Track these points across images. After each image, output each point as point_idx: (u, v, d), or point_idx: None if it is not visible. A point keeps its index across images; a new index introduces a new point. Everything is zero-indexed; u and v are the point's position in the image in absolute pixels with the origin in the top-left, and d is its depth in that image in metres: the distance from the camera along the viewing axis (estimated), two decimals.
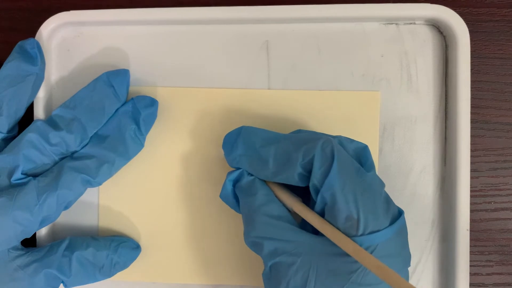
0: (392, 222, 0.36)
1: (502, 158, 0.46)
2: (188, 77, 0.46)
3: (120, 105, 0.44)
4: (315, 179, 0.36)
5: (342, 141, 0.38)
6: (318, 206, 0.37)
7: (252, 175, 0.40)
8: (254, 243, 0.38)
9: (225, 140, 0.42)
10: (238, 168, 0.41)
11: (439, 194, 0.45)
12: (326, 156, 0.36)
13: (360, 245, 0.34)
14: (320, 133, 0.40)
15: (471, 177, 0.43)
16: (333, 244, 0.36)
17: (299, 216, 0.39)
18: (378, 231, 0.35)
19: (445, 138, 0.45)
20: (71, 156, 0.43)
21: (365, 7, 0.43)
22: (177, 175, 0.46)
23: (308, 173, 0.37)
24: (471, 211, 0.44)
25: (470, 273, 0.43)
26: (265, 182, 0.40)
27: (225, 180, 0.41)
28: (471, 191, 0.43)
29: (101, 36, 0.47)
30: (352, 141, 0.39)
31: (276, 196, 0.40)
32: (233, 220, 0.45)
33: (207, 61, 0.46)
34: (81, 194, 0.43)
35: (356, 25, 0.45)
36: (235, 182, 0.41)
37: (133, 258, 0.45)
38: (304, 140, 0.38)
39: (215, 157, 0.46)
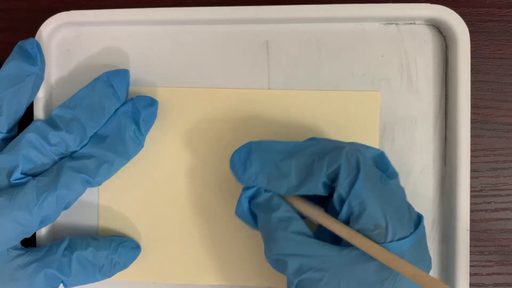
0: (415, 228, 0.36)
1: (502, 158, 0.46)
2: (188, 77, 0.46)
3: (120, 105, 0.44)
4: (341, 189, 0.36)
5: (359, 148, 0.38)
6: (343, 215, 0.37)
7: (268, 191, 0.40)
8: (277, 261, 0.38)
9: (234, 159, 0.40)
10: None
11: (439, 194, 0.45)
12: (351, 166, 0.36)
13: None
14: (337, 141, 0.40)
15: (471, 177, 0.43)
16: (359, 254, 0.35)
17: (312, 229, 0.38)
18: (405, 237, 0.35)
19: (445, 138, 0.45)
20: (71, 156, 0.43)
21: (365, 7, 0.43)
22: (176, 175, 0.46)
23: (331, 182, 0.37)
24: (471, 211, 0.44)
25: (470, 273, 0.43)
26: (283, 197, 0.40)
27: (241, 197, 0.40)
28: (471, 191, 0.43)
29: (101, 36, 0.47)
30: (368, 147, 0.39)
31: (298, 210, 0.39)
32: (234, 220, 0.45)
33: (207, 61, 0.46)
34: (80, 194, 0.43)
35: (356, 25, 0.45)
36: (251, 199, 0.40)
37: (133, 258, 0.45)
38: (326, 149, 0.38)
39: (215, 156, 0.46)
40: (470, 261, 0.43)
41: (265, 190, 0.40)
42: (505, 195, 0.46)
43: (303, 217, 0.40)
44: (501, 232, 0.46)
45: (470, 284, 0.44)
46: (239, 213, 0.41)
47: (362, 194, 0.35)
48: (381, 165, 0.39)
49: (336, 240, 0.38)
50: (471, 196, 0.44)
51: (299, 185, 0.38)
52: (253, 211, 0.40)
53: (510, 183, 0.46)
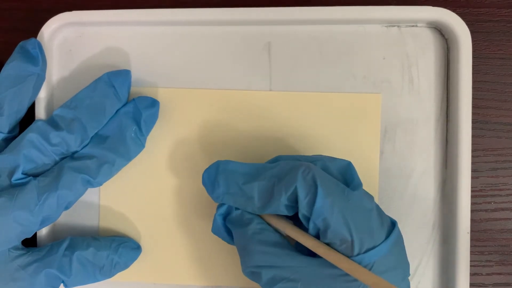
0: (387, 235, 0.36)
1: (502, 158, 0.46)
2: (189, 78, 0.46)
3: (121, 106, 0.44)
4: (303, 209, 0.36)
5: (325, 162, 0.38)
6: (311, 232, 0.37)
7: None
8: (252, 273, 0.38)
9: (204, 177, 0.41)
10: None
11: (440, 196, 0.45)
12: (308, 184, 0.36)
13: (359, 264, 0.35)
14: (301, 157, 0.40)
15: (471, 177, 0.43)
16: (331, 265, 0.36)
17: (294, 240, 0.39)
18: (374, 247, 0.35)
19: (446, 140, 0.45)
20: (72, 156, 0.43)
21: (367, 9, 0.43)
22: (178, 176, 0.46)
23: (294, 203, 0.37)
24: (471, 211, 0.44)
25: (470, 273, 0.43)
26: None
27: (215, 215, 0.41)
28: (471, 191, 0.43)
29: (103, 36, 0.47)
30: (334, 159, 0.39)
31: (267, 222, 0.40)
32: None
33: (208, 62, 0.46)
34: (81, 194, 0.43)
35: (358, 27, 0.45)
36: (225, 216, 0.41)
37: (134, 259, 0.45)
38: (284, 170, 0.38)
39: (215, 157, 0.46)
40: (470, 261, 0.43)
41: (236, 208, 0.40)
42: (505, 195, 0.46)
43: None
44: (501, 232, 0.46)
45: (470, 284, 0.44)
46: (215, 231, 0.42)
47: (323, 212, 0.35)
48: (347, 176, 0.39)
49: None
50: (471, 196, 0.44)
51: (263, 207, 0.38)
52: (228, 228, 0.41)
53: (510, 183, 0.46)
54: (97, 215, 0.47)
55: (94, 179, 0.42)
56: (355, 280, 0.35)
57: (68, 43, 0.47)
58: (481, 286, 0.46)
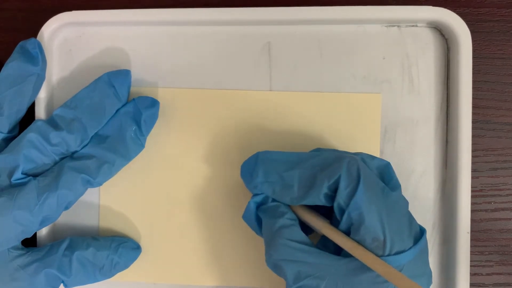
0: (415, 242, 0.36)
1: (502, 158, 0.46)
2: (189, 78, 0.46)
3: (121, 106, 0.44)
4: (341, 199, 0.36)
5: (364, 159, 0.38)
6: (343, 225, 0.37)
7: (276, 200, 0.40)
8: (276, 266, 0.38)
9: (243, 169, 0.41)
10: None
11: (440, 197, 0.45)
12: (352, 176, 0.36)
13: None
14: (342, 151, 0.40)
15: (471, 177, 0.44)
16: (357, 265, 0.36)
17: (316, 239, 0.39)
18: (403, 251, 0.35)
19: (446, 141, 0.45)
20: (72, 156, 0.43)
21: (367, 9, 0.43)
22: (177, 176, 0.46)
23: (334, 192, 0.37)
24: (471, 211, 0.44)
25: (470, 273, 0.43)
26: (289, 206, 0.40)
27: (250, 202, 0.40)
28: (471, 191, 0.43)
29: (103, 36, 0.47)
30: (373, 158, 0.39)
31: (303, 220, 0.39)
32: (235, 221, 0.46)
33: (208, 62, 0.46)
34: (81, 194, 0.43)
35: (358, 27, 0.45)
36: (259, 205, 0.41)
37: (134, 259, 0.45)
38: (328, 159, 0.38)
39: (216, 157, 0.46)
40: (470, 261, 0.43)
41: (273, 200, 0.40)
42: (505, 195, 0.46)
43: (309, 227, 0.40)
44: (501, 232, 0.46)
45: (470, 284, 0.44)
46: (246, 218, 0.41)
47: (361, 206, 0.35)
48: (385, 176, 0.39)
49: (338, 251, 0.38)
50: (471, 196, 0.44)
51: (303, 196, 0.38)
52: (259, 217, 0.41)
53: (510, 183, 0.46)
54: (97, 215, 0.47)
55: (94, 179, 0.42)
56: (385, 281, 0.35)
57: (68, 43, 0.47)
58: (481, 286, 0.46)
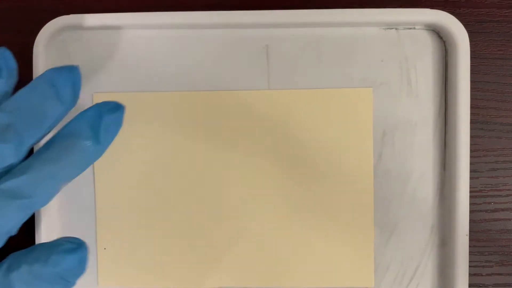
0: None
1: (502, 159, 0.46)
2: (187, 81, 0.46)
3: (65, 110, 0.36)
4: None
5: None
6: None
7: None
8: None
9: None
10: None
11: (438, 199, 0.45)
12: None
13: None
14: None
15: (471, 178, 0.44)
16: None
17: None
18: None
19: (445, 143, 0.45)
20: (4, 175, 0.35)
21: (365, 12, 0.43)
22: (175, 177, 0.46)
23: None
24: (471, 211, 0.44)
25: (470, 274, 0.44)
26: None
27: None
28: (470, 191, 0.43)
29: (102, 40, 0.46)
30: None
31: None
32: (231, 222, 0.46)
33: (206, 65, 0.46)
34: (24, 219, 0.35)
35: (356, 30, 0.45)
36: None
37: (75, 262, 0.35)
38: None
39: (213, 158, 0.46)
40: (469, 261, 0.44)
41: None
42: (505, 195, 0.46)
43: None
44: (501, 233, 0.46)
45: (470, 285, 0.44)
46: None
47: None
48: None
49: None
50: (471, 197, 0.44)
51: None
52: None
53: (510, 183, 0.46)
54: (94, 215, 0.47)
55: (33, 202, 0.34)
56: None
57: (67, 47, 0.47)
58: (481, 286, 0.46)
